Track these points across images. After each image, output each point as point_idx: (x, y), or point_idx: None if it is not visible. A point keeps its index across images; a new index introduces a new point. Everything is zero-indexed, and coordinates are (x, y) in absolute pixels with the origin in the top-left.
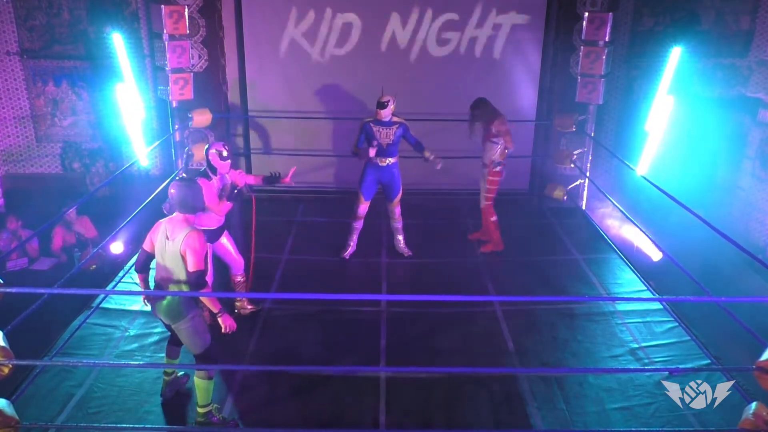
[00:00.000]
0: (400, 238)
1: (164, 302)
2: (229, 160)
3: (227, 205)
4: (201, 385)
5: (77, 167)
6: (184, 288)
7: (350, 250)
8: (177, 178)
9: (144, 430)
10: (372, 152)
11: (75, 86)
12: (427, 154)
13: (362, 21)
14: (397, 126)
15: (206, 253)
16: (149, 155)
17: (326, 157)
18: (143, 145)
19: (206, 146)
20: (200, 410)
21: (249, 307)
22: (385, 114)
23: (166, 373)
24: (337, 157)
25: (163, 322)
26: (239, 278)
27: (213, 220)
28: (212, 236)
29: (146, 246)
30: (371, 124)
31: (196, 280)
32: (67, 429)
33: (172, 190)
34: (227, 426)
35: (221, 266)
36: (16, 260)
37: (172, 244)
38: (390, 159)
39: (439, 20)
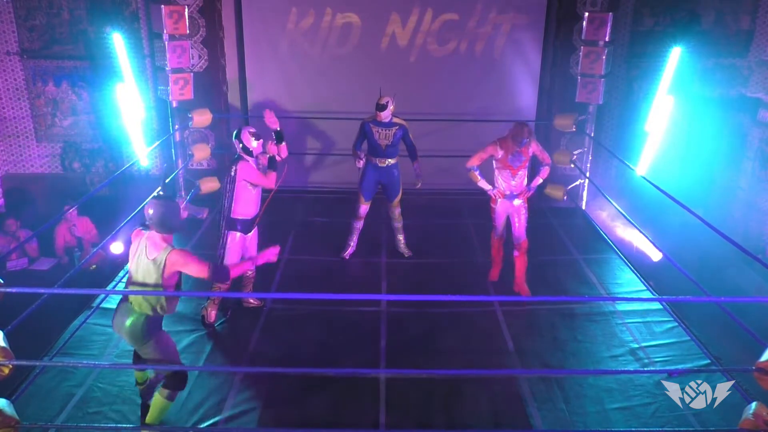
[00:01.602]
0: (401, 238)
1: (127, 323)
2: (262, 140)
3: (273, 175)
4: (159, 404)
5: (77, 167)
6: (152, 304)
7: (350, 250)
8: (154, 195)
9: (143, 431)
10: (359, 164)
11: (75, 86)
12: (416, 165)
13: (362, 21)
14: (397, 128)
15: (194, 257)
16: (149, 155)
17: (326, 157)
18: (143, 145)
19: (236, 131)
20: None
21: (252, 301)
22: (385, 115)
23: (138, 383)
24: (337, 156)
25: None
26: (250, 273)
27: (250, 209)
28: (247, 226)
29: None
30: (370, 125)
31: (216, 276)
32: (67, 429)
33: (150, 210)
34: None
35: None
36: (16, 260)
37: (149, 263)
38: (390, 160)
39: (439, 20)
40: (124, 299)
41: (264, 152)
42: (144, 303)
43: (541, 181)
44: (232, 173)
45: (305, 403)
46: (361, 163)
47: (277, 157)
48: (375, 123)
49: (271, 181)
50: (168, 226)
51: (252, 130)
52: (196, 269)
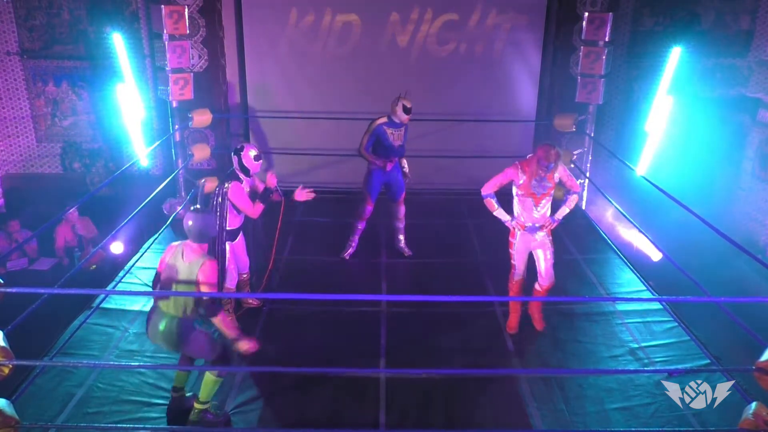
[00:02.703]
0: (401, 237)
1: (161, 328)
2: (261, 161)
3: (260, 206)
4: (209, 381)
5: (77, 167)
6: (180, 306)
7: (350, 250)
8: (191, 208)
9: (144, 430)
10: (389, 167)
11: (75, 86)
12: (404, 162)
13: (362, 21)
14: (405, 127)
15: (213, 279)
16: (149, 155)
17: (326, 157)
18: (143, 145)
19: (238, 148)
20: (197, 405)
21: (252, 302)
22: (407, 119)
23: (175, 390)
24: (337, 156)
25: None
26: (244, 276)
27: (235, 220)
28: (232, 235)
29: (159, 268)
30: (383, 127)
31: (212, 308)
32: (67, 429)
33: (190, 222)
34: (219, 420)
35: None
36: (16, 260)
37: (187, 266)
38: (396, 158)
39: (439, 20)
40: (154, 307)
41: (260, 174)
42: (173, 306)
43: (567, 211)
44: (225, 190)
45: (305, 402)
46: (390, 166)
47: (275, 195)
48: (388, 125)
49: (255, 211)
50: (205, 238)
51: (255, 150)
52: (207, 289)
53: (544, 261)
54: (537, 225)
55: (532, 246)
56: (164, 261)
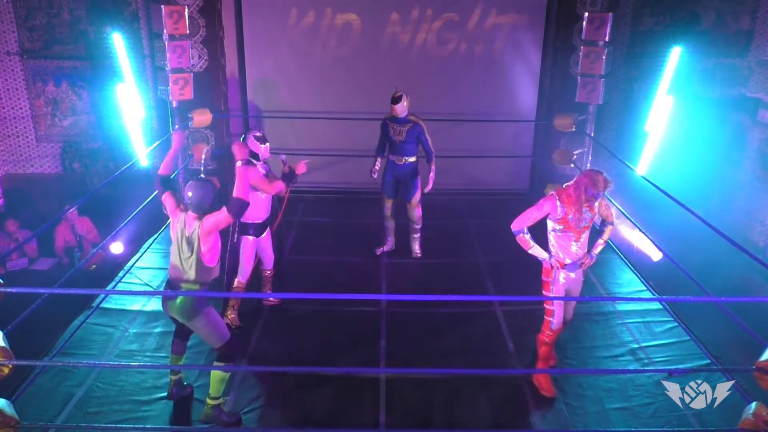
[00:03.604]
0: (416, 236)
1: (177, 301)
2: (268, 144)
3: (279, 184)
4: (216, 376)
5: (77, 167)
6: (196, 288)
7: (385, 248)
8: (194, 178)
9: (144, 430)
10: (374, 174)
11: (75, 86)
12: (433, 166)
13: (362, 21)
14: (410, 125)
15: (214, 213)
16: (149, 155)
17: (326, 157)
18: (143, 145)
19: (242, 136)
20: (210, 401)
21: (273, 300)
22: (399, 110)
23: (172, 372)
24: (337, 157)
25: (176, 321)
26: (268, 272)
27: (261, 212)
28: (259, 230)
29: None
30: (387, 121)
31: (235, 211)
32: (67, 429)
33: (190, 193)
34: (232, 420)
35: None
36: (16, 260)
37: (186, 241)
38: (407, 158)
39: (439, 20)
40: (171, 280)
41: (269, 157)
42: (186, 285)
43: (603, 245)
44: None
45: (305, 402)
46: (375, 174)
47: (299, 177)
48: (391, 120)
49: (274, 188)
50: (204, 209)
51: (258, 134)
52: (221, 219)
53: (571, 306)
54: (576, 262)
55: (569, 286)
56: (173, 207)
